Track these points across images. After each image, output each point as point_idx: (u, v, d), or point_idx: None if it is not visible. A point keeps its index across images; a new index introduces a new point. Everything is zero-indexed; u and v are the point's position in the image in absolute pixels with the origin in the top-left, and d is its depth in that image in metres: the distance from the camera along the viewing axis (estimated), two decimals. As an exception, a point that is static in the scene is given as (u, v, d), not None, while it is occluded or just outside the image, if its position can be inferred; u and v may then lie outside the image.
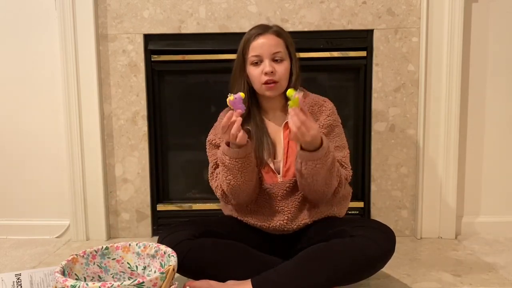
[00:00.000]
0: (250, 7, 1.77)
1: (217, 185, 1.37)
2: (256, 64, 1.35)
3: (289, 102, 1.16)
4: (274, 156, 1.39)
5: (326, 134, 1.36)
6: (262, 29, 1.37)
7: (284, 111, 1.41)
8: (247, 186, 1.31)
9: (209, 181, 1.41)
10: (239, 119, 1.21)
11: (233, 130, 1.20)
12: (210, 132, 1.46)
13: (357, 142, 1.87)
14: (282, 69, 1.35)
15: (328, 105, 1.42)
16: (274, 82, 1.33)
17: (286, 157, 1.37)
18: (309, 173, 1.23)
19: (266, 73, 1.33)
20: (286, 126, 1.38)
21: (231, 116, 1.20)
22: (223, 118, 1.23)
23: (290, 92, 1.17)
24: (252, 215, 1.39)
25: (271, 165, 1.37)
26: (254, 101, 1.42)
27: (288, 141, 1.38)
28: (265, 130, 1.40)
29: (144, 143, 1.85)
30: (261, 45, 1.34)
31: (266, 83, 1.33)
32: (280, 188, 1.37)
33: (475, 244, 1.74)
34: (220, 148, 1.31)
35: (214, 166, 1.40)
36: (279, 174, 1.38)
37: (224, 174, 1.31)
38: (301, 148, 1.23)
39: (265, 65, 1.33)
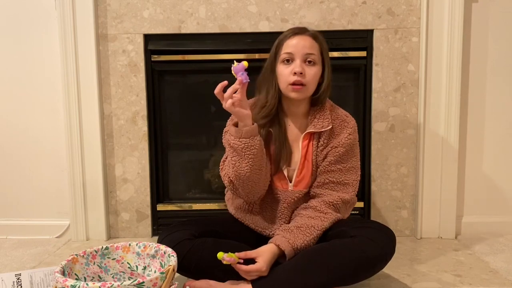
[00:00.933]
0: (250, 7, 1.77)
1: (225, 173, 1.33)
2: (287, 62, 1.31)
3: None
4: (289, 163, 1.37)
5: (342, 153, 1.34)
6: (299, 30, 1.34)
7: (305, 117, 1.39)
8: (253, 173, 1.26)
9: (220, 171, 1.38)
10: (241, 95, 1.17)
11: (226, 93, 1.17)
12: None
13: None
14: (312, 72, 1.30)
15: (351, 123, 1.38)
16: (302, 84, 1.29)
17: (302, 168, 1.36)
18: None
19: (295, 73, 1.28)
20: (306, 136, 1.36)
21: (225, 84, 1.18)
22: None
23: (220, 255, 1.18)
24: (253, 218, 1.39)
25: (285, 172, 1.36)
26: (279, 104, 1.38)
27: (306, 152, 1.36)
28: (285, 136, 1.37)
29: (144, 143, 1.85)
30: (296, 44, 1.31)
31: (293, 83, 1.29)
32: (288, 196, 1.36)
33: (475, 244, 1.74)
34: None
35: (227, 155, 1.36)
36: (290, 182, 1.37)
37: (230, 155, 1.27)
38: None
39: (295, 64, 1.29)
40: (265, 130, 1.34)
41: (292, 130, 1.39)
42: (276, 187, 1.37)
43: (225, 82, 1.18)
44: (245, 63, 1.16)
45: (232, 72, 1.18)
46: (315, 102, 1.37)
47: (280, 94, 1.36)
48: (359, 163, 1.40)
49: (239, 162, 1.25)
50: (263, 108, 1.34)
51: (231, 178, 1.31)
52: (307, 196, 1.38)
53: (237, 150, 1.24)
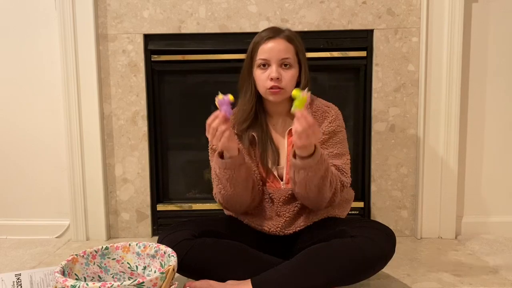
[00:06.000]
0: (250, 7, 1.77)
1: (215, 193, 1.38)
2: (263, 67, 1.32)
3: (295, 102, 1.11)
4: (277, 162, 1.38)
5: (326, 140, 1.35)
6: (273, 33, 1.33)
7: (289, 116, 1.38)
8: (239, 197, 1.31)
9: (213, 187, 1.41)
10: (225, 129, 1.16)
11: (220, 139, 1.17)
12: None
13: (357, 142, 1.87)
14: (288, 76, 1.32)
15: (331, 112, 1.38)
16: (279, 88, 1.31)
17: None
18: (302, 181, 1.22)
19: (271, 79, 1.30)
20: (290, 133, 1.36)
21: (215, 118, 1.16)
22: None
23: (296, 92, 1.12)
24: (251, 218, 1.40)
25: (275, 172, 1.37)
26: (260, 105, 1.40)
27: (292, 148, 1.37)
28: (270, 136, 1.39)
29: (144, 143, 1.85)
30: (270, 49, 1.31)
31: (271, 88, 1.31)
32: (281, 194, 1.36)
33: (475, 244, 1.74)
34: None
35: (213, 173, 1.39)
36: (282, 180, 1.37)
37: (216, 182, 1.31)
38: (293, 156, 1.21)
39: (271, 70, 1.30)
40: (248, 134, 1.36)
41: (277, 129, 1.41)
42: (269, 187, 1.38)
43: (219, 114, 1.16)
44: (231, 98, 1.16)
45: (216, 103, 1.17)
46: None
47: (258, 97, 1.38)
48: (347, 149, 1.39)
49: (224, 190, 1.29)
50: (242, 111, 1.36)
51: (220, 201, 1.36)
52: None
53: (222, 180, 1.27)
